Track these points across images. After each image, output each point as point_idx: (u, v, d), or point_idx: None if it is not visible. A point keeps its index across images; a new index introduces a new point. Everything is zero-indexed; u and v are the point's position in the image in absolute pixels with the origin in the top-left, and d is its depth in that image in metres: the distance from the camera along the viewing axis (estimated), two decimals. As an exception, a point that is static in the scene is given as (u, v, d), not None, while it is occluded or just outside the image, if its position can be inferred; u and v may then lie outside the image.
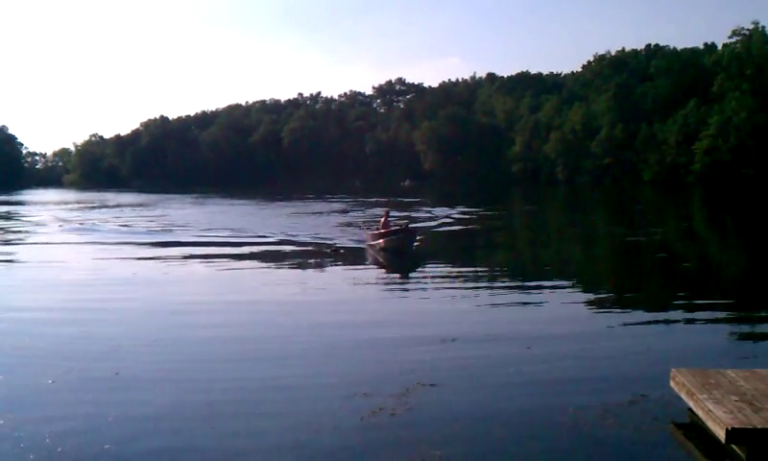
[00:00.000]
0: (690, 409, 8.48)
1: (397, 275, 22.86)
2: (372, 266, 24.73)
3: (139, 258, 26.89)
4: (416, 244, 27.05)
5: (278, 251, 28.61)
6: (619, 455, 7.84)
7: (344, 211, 55.04)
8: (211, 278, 22.01)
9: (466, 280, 20.64)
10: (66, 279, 21.65)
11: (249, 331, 14.06)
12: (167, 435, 8.52)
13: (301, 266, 24.97)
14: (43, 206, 73.99)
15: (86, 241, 33.59)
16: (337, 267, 24.47)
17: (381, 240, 26.48)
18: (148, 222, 45.94)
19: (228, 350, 12.50)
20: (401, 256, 25.22)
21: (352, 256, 26.56)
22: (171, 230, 38.80)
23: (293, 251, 28.76)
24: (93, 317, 15.46)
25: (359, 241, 30.14)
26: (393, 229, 26.91)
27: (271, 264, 24.93)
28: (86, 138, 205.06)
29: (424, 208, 55.82)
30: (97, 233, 37.38)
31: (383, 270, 24.05)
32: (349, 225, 40.65)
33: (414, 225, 33.43)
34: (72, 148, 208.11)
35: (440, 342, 12.71)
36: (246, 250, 29.20)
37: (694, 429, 8.26)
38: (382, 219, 28.89)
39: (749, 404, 7.79)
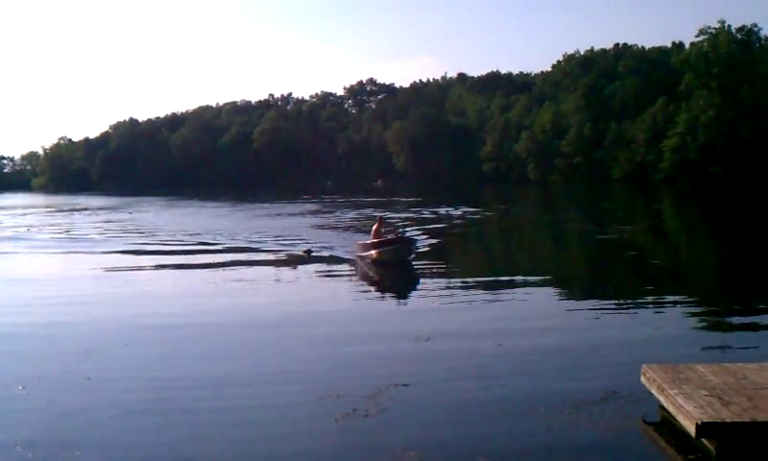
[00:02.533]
0: (661, 404, 8.57)
1: (371, 274, 22.46)
2: (348, 269, 23.74)
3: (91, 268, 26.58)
4: (413, 256, 23.83)
5: (250, 255, 28.16)
6: (591, 451, 7.89)
7: (316, 212, 54.85)
8: (178, 284, 21.84)
9: (438, 278, 20.67)
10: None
11: (219, 335, 13.98)
12: (141, 441, 8.44)
13: (274, 270, 24.40)
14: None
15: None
16: (310, 269, 24.04)
17: (373, 251, 23.17)
18: (105, 228, 44.26)
19: (198, 354, 12.43)
20: (396, 269, 22.39)
21: (326, 259, 25.98)
22: (134, 236, 38.26)
23: (265, 255, 28.06)
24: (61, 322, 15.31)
25: (329, 245, 29.66)
26: (387, 238, 23.48)
27: (241, 268, 24.68)
28: (55, 141, 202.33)
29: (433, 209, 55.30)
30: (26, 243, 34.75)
31: (362, 276, 22.29)
32: (320, 227, 40.52)
33: (411, 232, 29.56)
34: (40, 151, 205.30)
35: (413, 341, 12.73)
36: (216, 256, 28.99)
37: (665, 424, 8.34)
38: (374, 226, 25.09)
39: (718, 399, 7.89)
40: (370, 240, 24.14)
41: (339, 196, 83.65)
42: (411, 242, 23.91)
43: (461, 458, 7.75)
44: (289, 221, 45.79)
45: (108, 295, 19.20)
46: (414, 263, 23.37)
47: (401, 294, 19.32)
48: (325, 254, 27.32)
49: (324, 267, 24.44)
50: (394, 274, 22.04)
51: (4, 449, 8.15)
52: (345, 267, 24.08)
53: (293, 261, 25.78)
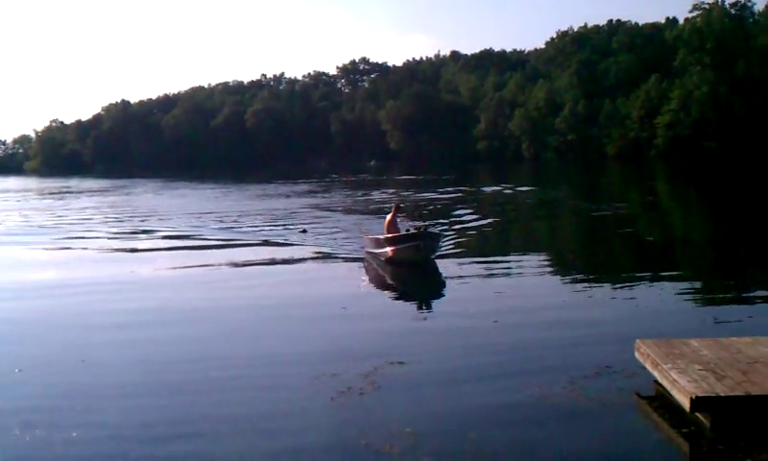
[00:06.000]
0: (655, 379, 8.60)
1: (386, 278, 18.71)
2: (344, 251, 23.07)
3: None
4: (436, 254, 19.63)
5: (243, 236, 28.11)
6: (585, 427, 7.91)
7: (310, 193, 54.69)
8: (175, 269, 21.81)
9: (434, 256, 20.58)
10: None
11: (215, 317, 14.01)
12: (135, 423, 8.44)
13: (269, 252, 23.97)
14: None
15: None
16: (305, 250, 23.59)
17: (389, 248, 18.79)
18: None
19: (194, 336, 12.43)
20: (418, 269, 18.42)
21: (322, 240, 25.56)
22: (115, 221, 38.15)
23: (260, 237, 27.95)
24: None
25: (325, 225, 29.44)
26: (407, 232, 19.08)
27: (235, 250, 24.65)
28: (47, 124, 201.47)
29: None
30: None
31: (371, 275, 18.95)
32: (315, 207, 40.43)
33: (434, 225, 24.58)
34: (32, 134, 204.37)
35: (409, 320, 12.76)
36: (210, 240, 28.92)
37: (659, 399, 8.37)
38: (388, 217, 20.66)
39: (712, 373, 7.91)
40: (383, 234, 19.67)
41: (333, 176, 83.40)
42: (435, 237, 19.70)
43: (455, 434, 7.78)
44: (283, 202, 45.62)
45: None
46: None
47: (394, 269, 19.04)
48: (321, 233, 27.17)
49: (319, 248, 23.91)
50: (412, 276, 18.34)
51: (2, 432, 8.19)
52: (340, 249, 23.57)
53: (288, 242, 25.46)
